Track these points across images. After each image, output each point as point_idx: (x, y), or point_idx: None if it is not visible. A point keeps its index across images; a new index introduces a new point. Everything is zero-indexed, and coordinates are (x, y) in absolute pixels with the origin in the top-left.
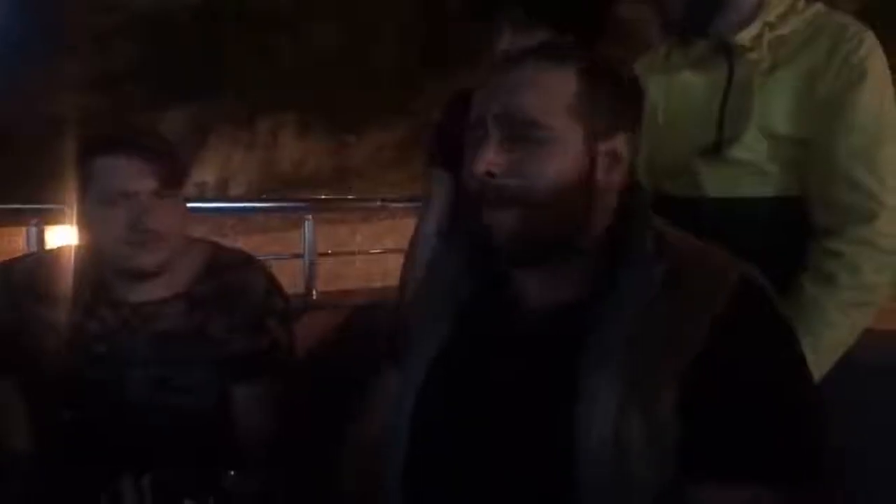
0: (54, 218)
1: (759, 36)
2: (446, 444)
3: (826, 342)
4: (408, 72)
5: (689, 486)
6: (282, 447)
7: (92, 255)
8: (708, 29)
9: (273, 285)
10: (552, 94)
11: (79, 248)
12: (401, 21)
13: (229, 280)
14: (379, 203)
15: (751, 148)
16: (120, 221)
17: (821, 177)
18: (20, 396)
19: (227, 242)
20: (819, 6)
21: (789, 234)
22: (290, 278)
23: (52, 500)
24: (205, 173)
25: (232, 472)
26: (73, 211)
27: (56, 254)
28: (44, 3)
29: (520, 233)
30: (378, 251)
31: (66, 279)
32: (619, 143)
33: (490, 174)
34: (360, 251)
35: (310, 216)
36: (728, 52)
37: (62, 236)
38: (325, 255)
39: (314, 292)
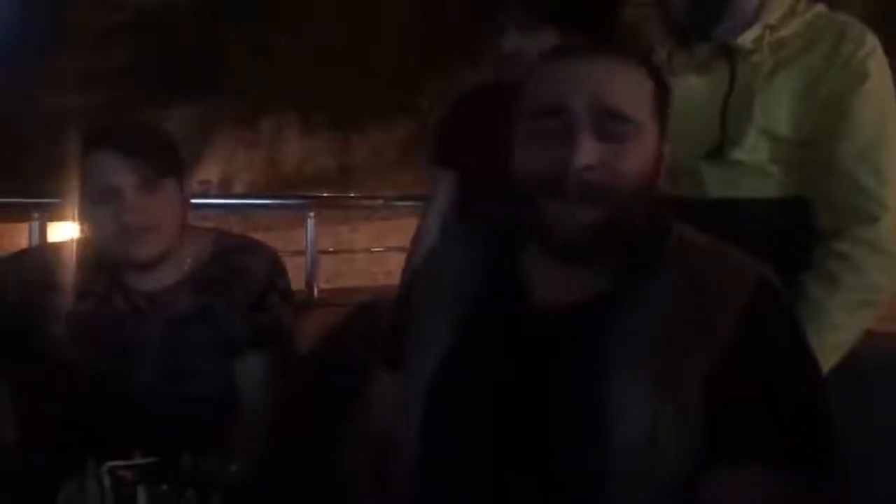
0: (58, 213)
1: (760, 38)
2: (460, 447)
3: (829, 343)
4: (408, 72)
5: (713, 473)
6: (281, 446)
7: (96, 247)
8: (710, 32)
9: (277, 266)
10: (638, 89)
11: (87, 239)
12: (401, 21)
13: (233, 262)
14: (381, 201)
15: (753, 150)
16: (109, 217)
17: (824, 178)
18: (8, 392)
19: None
20: (820, 7)
21: (792, 236)
22: (291, 275)
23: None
24: (208, 172)
25: (211, 458)
26: (74, 206)
27: (66, 244)
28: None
29: (597, 228)
30: (380, 249)
31: (78, 268)
32: (668, 143)
33: (590, 167)
34: (361, 249)
35: (312, 213)
36: (730, 54)
37: (65, 231)
38: (327, 252)
39: (315, 289)
